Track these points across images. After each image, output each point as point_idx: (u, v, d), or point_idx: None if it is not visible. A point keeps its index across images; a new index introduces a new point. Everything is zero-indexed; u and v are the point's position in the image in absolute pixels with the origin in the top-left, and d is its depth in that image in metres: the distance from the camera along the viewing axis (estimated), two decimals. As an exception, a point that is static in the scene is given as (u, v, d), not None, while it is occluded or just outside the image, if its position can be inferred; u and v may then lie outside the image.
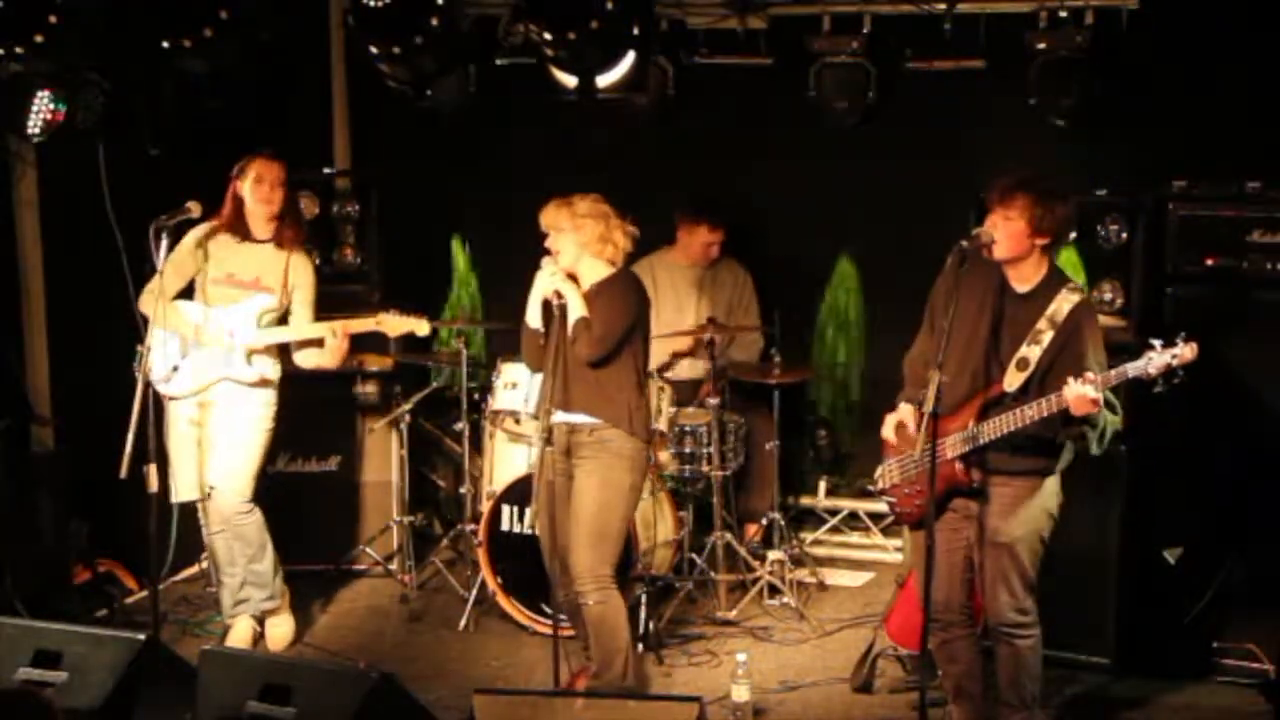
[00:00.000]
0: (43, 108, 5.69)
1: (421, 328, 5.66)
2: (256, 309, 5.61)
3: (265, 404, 5.69)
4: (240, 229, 5.61)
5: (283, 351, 5.75)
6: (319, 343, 5.66)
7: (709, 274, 6.83)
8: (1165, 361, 4.14)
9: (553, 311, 5.03)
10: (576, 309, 4.98)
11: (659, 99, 6.70)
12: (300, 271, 5.69)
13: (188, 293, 5.68)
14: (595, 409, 5.01)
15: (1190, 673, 5.40)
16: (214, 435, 5.64)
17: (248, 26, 5.68)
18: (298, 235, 5.72)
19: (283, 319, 5.70)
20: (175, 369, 5.58)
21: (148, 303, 5.45)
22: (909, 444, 4.58)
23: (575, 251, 5.04)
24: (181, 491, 5.64)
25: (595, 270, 5.09)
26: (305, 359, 5.72)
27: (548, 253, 5.07)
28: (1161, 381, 4.16)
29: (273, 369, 5.70)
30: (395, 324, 5.63)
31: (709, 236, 6.76)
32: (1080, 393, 4.17)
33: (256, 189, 5.56)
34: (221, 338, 5.59)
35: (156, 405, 5.11)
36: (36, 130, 5.72)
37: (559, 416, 5.03)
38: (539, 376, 5.26)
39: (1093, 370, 4.30)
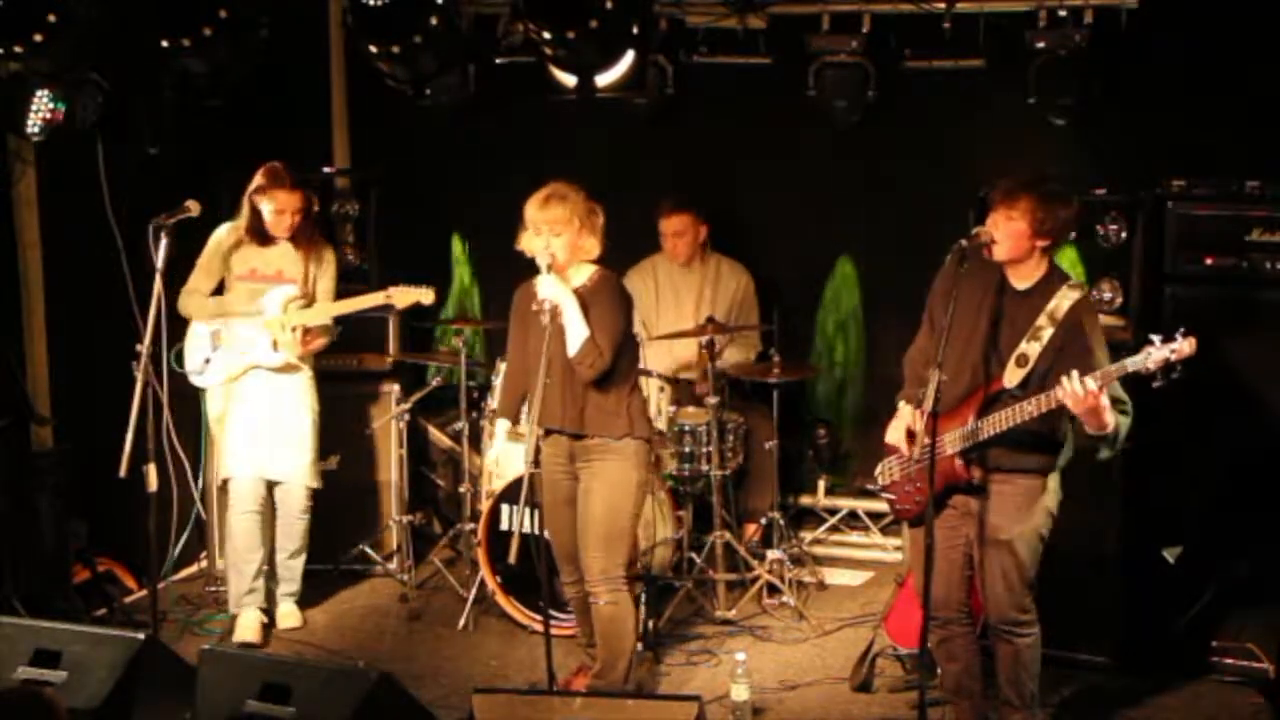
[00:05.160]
0: (42, 107, 5.71)
1: (428, 296, 5.80)
2: (281, 297, 5.78)
3: (305, 391, 5.90)
4: (260, 236, 5.80)
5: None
6: (324, 331, 5.91)
7: (711, 275, 6.80)
8: (1164, 356, 4.14)
9: (543, 320, 4.84)
10: (580, 328, 4.86)
11: (658, 98, 6.70)
12: (319, 264, 5.89)
13: (216, 293, 5.87)
14: (600, 428, 4.97)
15: (1190, 672, 5.40)
16: (269, 427, 5.81)
17: (247, 26, 5.69)
18: (312, 238, 5.92)
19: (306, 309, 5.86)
20: (207, 361, 5.81)
21: (192, 303, 5.78)
22: (913, 446, 4.59)
23: (571, 253, 4.93)
24: (224, 469, 5.87)
25: (579, 271, 5.00)
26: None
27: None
28: (1160, 376, 4.16)
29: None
30: (404, 295, 5.77)
31: (666, 224, 6.69)
32: (1075, 390, 4.17)
33: (277, 217, 5.76)
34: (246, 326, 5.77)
35: (156, 405, 5.12)
36: (36, 130, 5.74)
37: (555, 427, 5.03)
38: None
39: (1102, 363, 4.29)
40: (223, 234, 5.81)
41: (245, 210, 5.78)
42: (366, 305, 5.82)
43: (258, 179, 5.74)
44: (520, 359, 5.13)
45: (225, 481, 5.90)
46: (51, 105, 5.71)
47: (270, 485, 5.90)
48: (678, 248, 6.74)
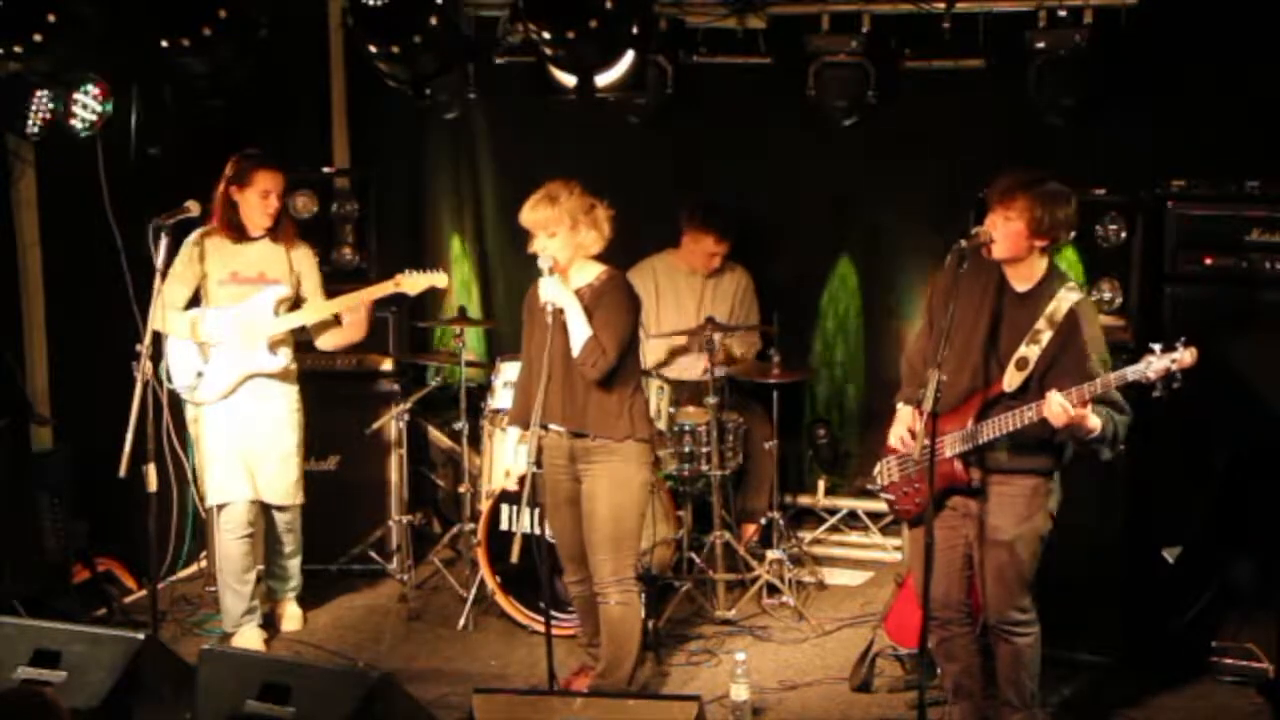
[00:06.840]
0: (42, 107, 5.70)
1: (441, 280, 5.74)
2: (272, 298, 5.66)
3: (293, 406, 5.78)
4: (237, 231, 5.66)
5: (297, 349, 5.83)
6: (337, 322, 5.78)
7: (711, 280, 6.80)
8: (1164, 366, 4.13)
9: (547, 319, 4.86)
10: (583, 329, 4.88)
11: (658, 98, 6.70)
12: (302, 260, 5.78)
13: (194, 301, 5.73)
14: (602, 429, 4.96)
15: (1190, 672, 5.40)
16: (255, 447, 5.69)
17: (247, 26, 5.68)
18: (291, 228, 5.81)
19: (294, 308, 5.76)
20: (200, 375, 5.66)
21: (168, 320, 5.56)
22: (913, 447, 4.58)
23: (571, 252, 4.95)
24: (213, 495, 5.70)
25: (584, 270, 5.01)
26: (327, 341, 5.83)
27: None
28: (1160, 386, 4.16)
29: (292, 359, 5.78)
30: (415, 282, 5.71)
31: (715, 248, 6.68)
32: (1054, 410, 4.18)
33: (263, 202, 5.63)
34: (234, 333, 5.62)
35: (156, 405, 5.12)
36: (36, 130, 5.73)
37: (557, 425, 5.02)
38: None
39: (1095, 370, 4.30)
40: (195, 239, 5.64)
41: (220, 207, 5.61)
42: (377, 295, 5.71)
43: (232, 168, 5.62)
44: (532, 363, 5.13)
45: (219, 507, 5.72)
46: (51, 105, 5.71)
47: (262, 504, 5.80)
48: (711, 262, 6.73)
